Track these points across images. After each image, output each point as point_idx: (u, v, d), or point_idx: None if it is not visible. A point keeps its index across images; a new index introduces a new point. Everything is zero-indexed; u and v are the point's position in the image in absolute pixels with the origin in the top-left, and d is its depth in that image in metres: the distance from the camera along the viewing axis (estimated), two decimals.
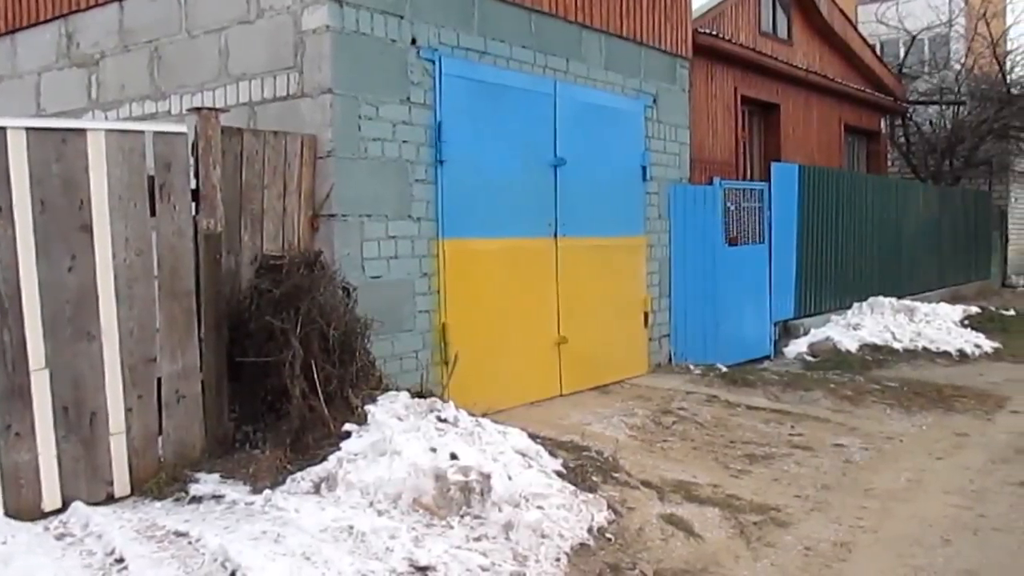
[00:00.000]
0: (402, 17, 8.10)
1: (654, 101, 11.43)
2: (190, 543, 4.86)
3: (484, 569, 4.90)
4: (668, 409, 9.43)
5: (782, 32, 17.10)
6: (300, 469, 5.89)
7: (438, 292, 8.50)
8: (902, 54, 24.87)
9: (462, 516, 5.46)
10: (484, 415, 6.76)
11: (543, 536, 5.30)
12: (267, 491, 5.63)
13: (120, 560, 4.67)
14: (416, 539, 5.11)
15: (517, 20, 9.31)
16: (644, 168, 11.25)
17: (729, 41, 14.45)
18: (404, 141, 8.15)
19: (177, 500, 5.74)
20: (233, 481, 5.98)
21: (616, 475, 6.64)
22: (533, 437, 6.75)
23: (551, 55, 9.73)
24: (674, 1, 11.81)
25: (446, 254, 8.55)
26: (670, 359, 11.75)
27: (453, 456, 5.78)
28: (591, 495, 5.96)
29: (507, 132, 9.16)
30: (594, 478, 6.40)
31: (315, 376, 6.38)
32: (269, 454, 6.23)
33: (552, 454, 6.58)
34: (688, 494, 6.71)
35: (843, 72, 18.94)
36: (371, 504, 5.51)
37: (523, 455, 6.31)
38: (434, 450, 5.84)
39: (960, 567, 5.60)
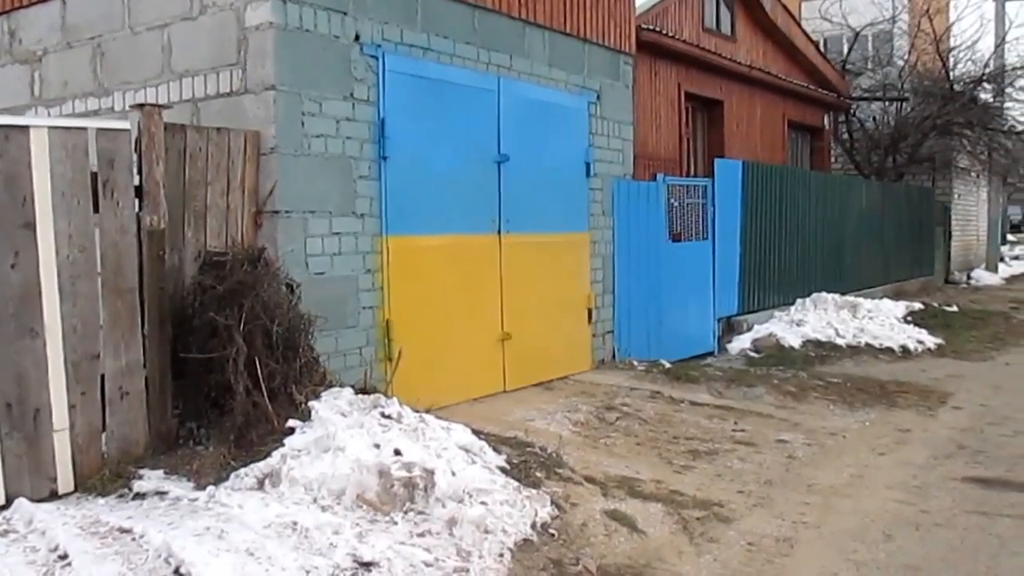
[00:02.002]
0: (345, 13, 8.19)
1: (598, 97, 11.58)
2: (134, 539, 4.90)
3: (428, 565, 4.99)
4: (612, 405, 9.50)
5: (726, 28, 17.35)
6: (244, 465, 5.93)
7: (382, 288, 8.61)
8: (846, 50, 25.15)
9: (406, 512, 5.54)
10: (428, 411, 6.82)
11: (486, 532, 5.39)
12: (211, 487, 5.69)
13: (64, 556, 4.71)
14: (360, 535, 5.19)
15: (460, 16, 9.44)
16: (588, 164, 11.39)
17: (673, 37, 14.68)
18: (348, 137, 8.25)
19: (121, 497, 5.79)
20: (177, 477, 6.04)
21: (559, 471, 6.73)
22: (477, 433, 6.80)
23: (495, 51, 9.87)
24: None
25: (390, 250, 8.67)
26: (614, 355, 11.90)
27: (397, 452, 5.85)
28: (534, 491, 6.04)
29: (451, 129, 9.27)
30: (537, 474, 6.48)
31: (259, 372, 6.45)
32: (213, 450, 6.33)
33: (496, 450, 6.66)
34: (631, 490, 6.80)
35: (787, 68, 19.22)
36: (315, 500, 5.57)
37: (467, 451, 6.39)
38: (378, 446, 5.91)
39: (902, 562, 5.73)
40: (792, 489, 7.18)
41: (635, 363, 11.66)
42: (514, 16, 10.12)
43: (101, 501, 5.75)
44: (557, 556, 5.42)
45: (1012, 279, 28.63)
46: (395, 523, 5.43)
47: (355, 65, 8.31)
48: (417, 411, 6.67)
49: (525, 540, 5.48)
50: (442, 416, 6.98)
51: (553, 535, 5.66)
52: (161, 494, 5.74)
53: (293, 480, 5.70)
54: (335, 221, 8.16)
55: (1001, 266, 29.97)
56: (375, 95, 8.49)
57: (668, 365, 11.63)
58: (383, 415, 6.46)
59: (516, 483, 6.10)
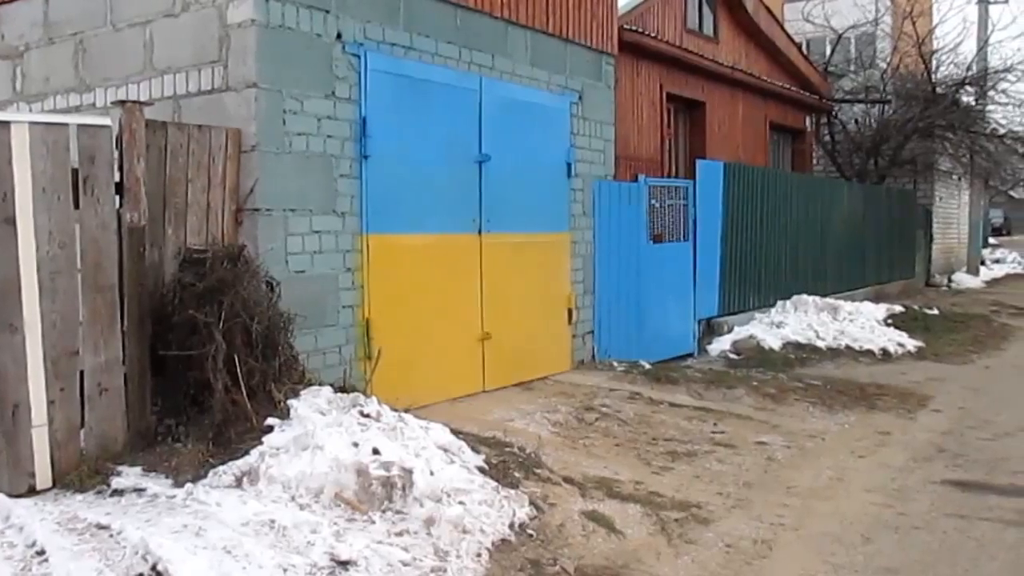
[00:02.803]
0: (328, 11, 8.21)
1: (580, 98, 11.60)
2: (111, 536, 4.89)
3: (405, 564, 5.02)
4: (591, 406, 9.51)
5: (708, 30, 17.41)
6: (222, 463, 5.94)
7: (362, 287, 8.64)
8: (828, 52, 25.14)
9: (384, 511, 5.57)
10: (407, 410, 6.84)
11: (464, 531, 5.43)
12: (189, 484, 5.70)
13: (41, 552, 4.70)
14: (337, 533, 5.21)
15: (443, 15, 9.47)
16: (569, 165, 11.40)
17: (655, 38, 14.71)
18: (329, 136, 8.27)
19: (99, 493, 5.79)
20: (155, 474, 6.05)
21: (538, 471, 6.76)
22: (456, 433, 6.83)
23: (476, 51, 9.90)
24: None
25: (370, 249, 8.69)
26: (593, 356, 11.95)
27: (375, 451, 5.88)
28: (513, 491, 6.07)
29: (432, 128, 9.30)
30: (516, 474, 6.52)
31: (238, 370, 6.47)
32: (191, 447, 6.32)
33: (474, 449, 6.68)
34: (610, 491, 6.80)
35: (768, 70, 19.28)
36: (293, 498, 5.58)
37: (445, 450, 6.42)
38: (356, 445, 5.93)
39: (880, 565, 5.76)
40: (771, 491, 7.19)
41: (615, 364, 11.68)
42: (496, 16, 10.15)
43: (79, 497, 5.74)
44: (535, 556, 5.44)
45: (993, 282, 28.80)
46: (373, 522, 5.45)
47: (337, 63, 8.33)
48: (396, 410, 6.69)
49: (503, 540, 5.51)
50: (421, 416, 6.99)
51: (531, 535, 5.68)
52: (139, 491, 5.74)
53: (271, 478, 5.72)
54: (315, 219, 8.18)
55: (982, 269, 30.09)
56: (357, 94, 8.51)
57: (648, 366, 11.63)
58: (362, 414, 6.48)
59: (495, 483, 6.13)
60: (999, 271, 31.60)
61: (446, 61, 9.53)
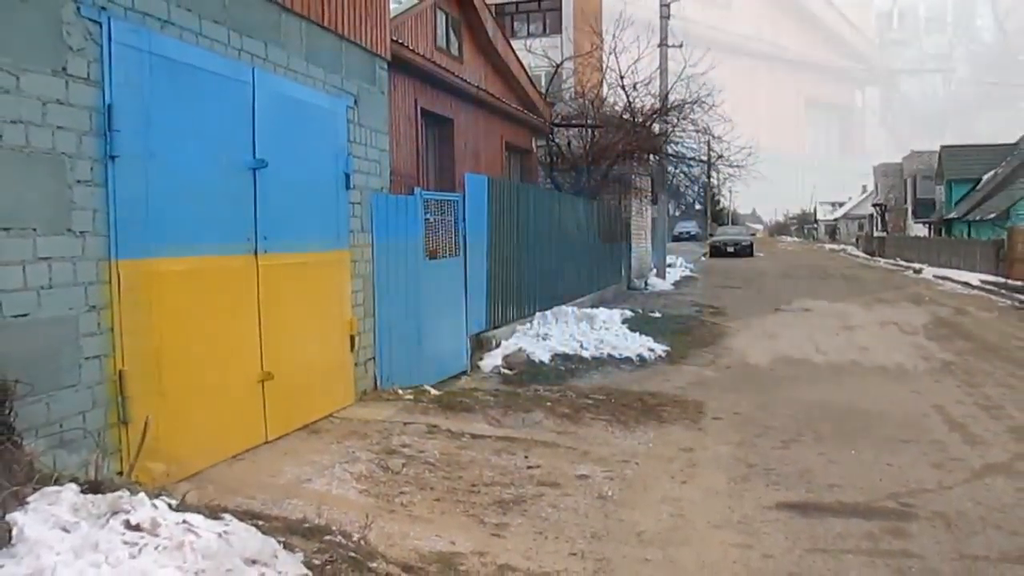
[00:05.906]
0: None
1: (356, 102, 8.81)
2: None
3: None
4: (391, 448, 7.27)
5: (455, 49, 15.05)
6: None
7: (111, 330, 5.47)
8: (545, 82, 23.70)
9: None
10: (180, 481, 4.95)
11: None
12: None
13: None
14: None
15: None
16: (347, 175, 8.63)
17: (413, 50, 12.10)
18: (60, 127, 5.09)
19: None
20: None
21: (373, 565, 4.60)
22: (260, 527, 4.35)
23: (248, 37, 6.88)
24: None
25: (121, 280, 5.55)
26: (375, 384, 9.24)
27: None
28: None
29: (197, 125, 6.26)
30: (352, 574, 4.37)
31: None
32: None
33: (289, 547, 4.25)
34: (456, 571, 4.93)
35: (503, 92, 17.22)
36: None
37: (254, 562, 3.89)
38: None
39: None
40: (623, 542, 5.58)
41: (400, 391, 9.18)
42: None
43: None
44: None
45: (678, 284, 28.81)
46: None
47: (70, 29, 5.12)
48: (175, 505, 4.11)
49: None
50: (197, 484, 5.21)
51: None
52: None
53: None
54: (42, 241, 5.00)
55: (668, 271, 30.13)
56: (99, 73, 5.33)
57: (435, 392, 9.30)
58: (128, 525, 3.71)
59: None
60: (677, 273, 31.30)
61: (213, 45, 6.49)
